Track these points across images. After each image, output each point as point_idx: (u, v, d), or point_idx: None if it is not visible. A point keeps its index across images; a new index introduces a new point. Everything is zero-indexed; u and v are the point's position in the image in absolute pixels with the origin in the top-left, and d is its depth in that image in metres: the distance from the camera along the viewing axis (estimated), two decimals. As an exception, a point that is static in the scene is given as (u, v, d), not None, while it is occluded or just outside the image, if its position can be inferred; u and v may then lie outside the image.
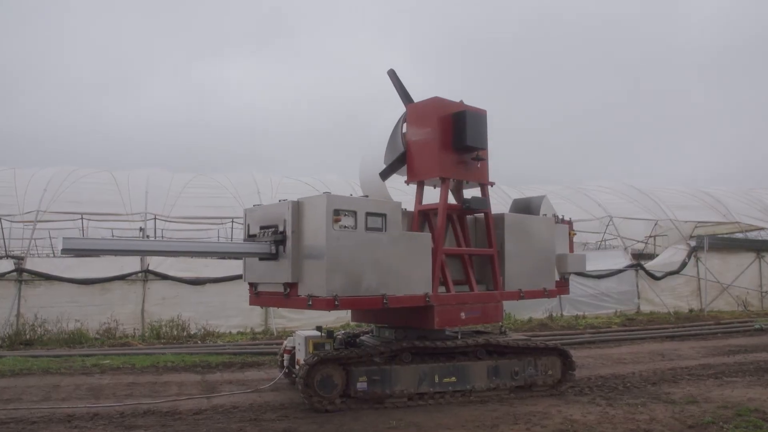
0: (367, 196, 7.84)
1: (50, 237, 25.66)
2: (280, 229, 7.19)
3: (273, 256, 7.22)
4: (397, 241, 7.34)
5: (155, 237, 19.45)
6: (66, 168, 18.36)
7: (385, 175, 8.36)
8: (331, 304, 6.73)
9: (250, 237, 7.72)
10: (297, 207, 7.11)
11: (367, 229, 7.06)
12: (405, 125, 8.53)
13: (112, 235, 26.17)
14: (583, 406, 7.58)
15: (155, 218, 16.87)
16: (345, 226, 6.89)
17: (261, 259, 7.43)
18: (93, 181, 17.75)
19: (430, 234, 7.86)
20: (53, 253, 26.67)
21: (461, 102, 8.32)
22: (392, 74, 8.72)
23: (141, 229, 16.34)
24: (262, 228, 7.52)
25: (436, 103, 8.09)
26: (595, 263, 18.70)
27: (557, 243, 9.28)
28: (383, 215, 7.24)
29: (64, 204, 16.08)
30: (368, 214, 7.11)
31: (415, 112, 8.33)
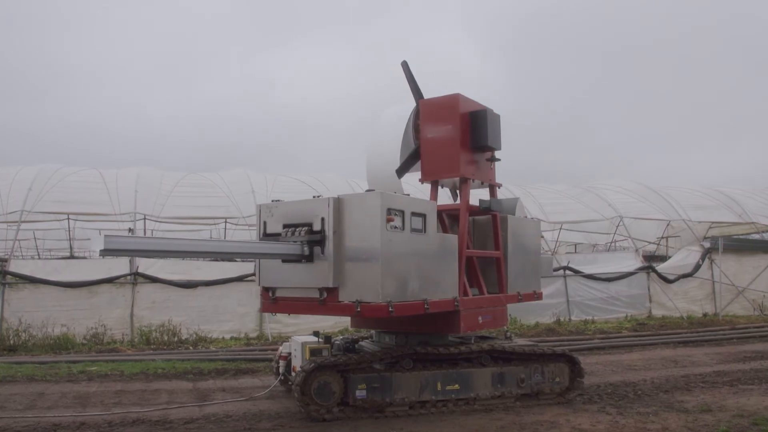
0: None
1: (35, 238, 25.77)
2: (316, 227, 6.93)
3: (306, 258, 6.93)
4: (434, 243, 7.35)
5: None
6: (51, 166, 18.37)
7: (400, 172, 8.27)
8: (384, 310, 6.58)
9: (268, 236, 7.37)
10: (338, 204, 6.90)
11: (412, 230, 7.02)
12: (414, 121, 8.46)
13: (100, 236, 26.21)
14: (592, 414, 7.59)
15: (145, 218, 16.88)
16: (395, 227, 6.82)
17: (285, 261, 7.14)
18: (80, 179, 17.73)
19: (456, 236, 7.85)
20: (38, 254, 26.73)
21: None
22: (405, 66, 8.58)
23: (130, 230, 16.33)
24: (287, 226, 7.18)
25: (458, 100, 8.03)
26: (604, 265, 18.72)
27: None
28: (423, 215, 7.21)
29: (50, 204, 16.07)
30: (413, 214, 7.05)
31: (433, 108, 8.23)
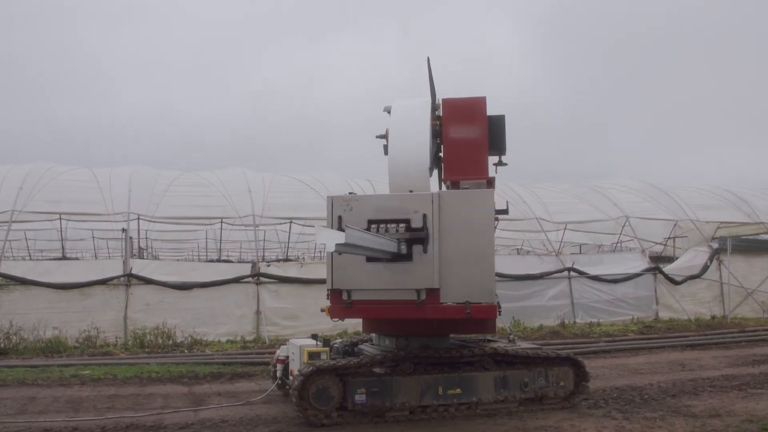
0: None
1: (26, 238, 25.72)
2: (415, 225, 6.80)
3: (404, 257, 6.75)
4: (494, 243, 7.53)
5: (139, 238, 19.46)
6: (43, 165, 18.36)
7: (431, 170, 8.20)
8: (493, 311, 6.67)
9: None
10: (440, 200, 6.85)
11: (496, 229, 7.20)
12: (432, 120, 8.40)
13: (93, 237, 26.22)
14: (597, 420, 7.58)
15: (138, 218, 16.86)
16: (495, 227, 6.94)
17: (370, 260, 6.89)
18: (72, 178, 17.73)
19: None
20: (29, 255, 26.70)
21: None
22: (428, 63, 8.42)
23: (123, 230, 16.32)
24: (375, 222, 6.92)
25: (485, 102, 8.11)
26: (610, 266, 18.72)
27: None
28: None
29: (41, 203, 16.06)
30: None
31: (458, 108, 8.20)
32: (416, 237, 6.76)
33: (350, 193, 7.39)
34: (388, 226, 6.84)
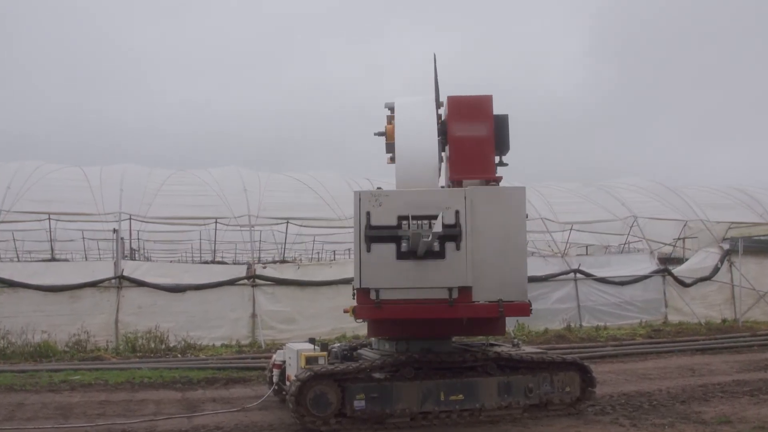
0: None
1: (14, 239, 25.75)
2: (448, 221, 6.83)
3: (436, 255, 6.82)
4: None
5: (130, 239, 19.47)
6: (31, 163, 18.36)
7: (440, 170, 8.18)
8: (526, 309, 6.79)
9: (374, 228, 6.95)
10: (473, 197, 6.95)
11: None
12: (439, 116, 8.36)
13: (83, 237, 26.23)
14: (604, 426, 7.59)
15: (130, 218, 16.86)
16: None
17: (401, 258, 6.90)
18: (62, 177, 17.75)
19: None
20: (17, 256, 26.72)
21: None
22: (434, 60, 8.43)
23: (115, 231, 16.32)
24: (405, 218, 6.90)
25: (491, 101, 8.10)
26: (617, 268, 18.71)
27: None
28: None
29: (30, 203, 16.07)
30: None
31: (464, 106, 8.17)
32: (449, 234, 6.81)
33: (378, 188, 7.38)
34: (421, 222, 6.81)
